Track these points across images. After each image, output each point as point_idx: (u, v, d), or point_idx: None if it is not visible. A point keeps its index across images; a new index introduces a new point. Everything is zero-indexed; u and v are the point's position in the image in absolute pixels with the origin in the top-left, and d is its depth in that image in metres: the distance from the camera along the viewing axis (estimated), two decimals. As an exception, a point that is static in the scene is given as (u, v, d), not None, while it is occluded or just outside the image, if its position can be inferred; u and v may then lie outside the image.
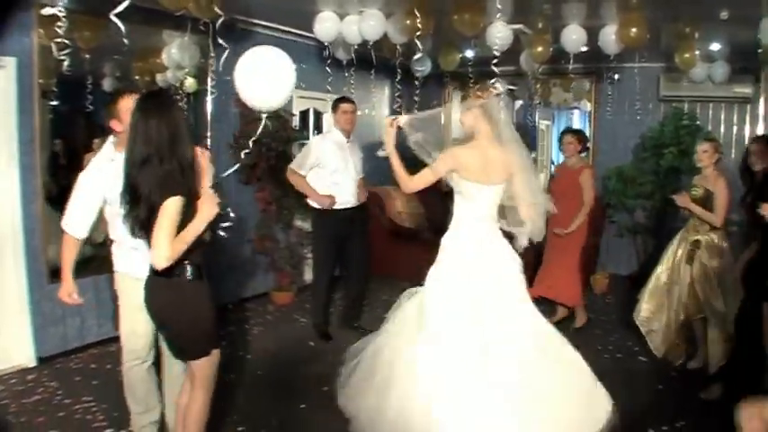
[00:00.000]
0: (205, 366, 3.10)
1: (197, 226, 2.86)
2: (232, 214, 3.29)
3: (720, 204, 4.92)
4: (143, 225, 2.83)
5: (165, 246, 2.72)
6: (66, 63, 4.51)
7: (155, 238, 2.75)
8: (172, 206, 2.75)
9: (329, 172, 5.63)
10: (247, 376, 4.92)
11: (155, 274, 2.91)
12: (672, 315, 5.16)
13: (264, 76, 3.90)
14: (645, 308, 5.37)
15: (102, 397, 4.42)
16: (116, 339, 5.41)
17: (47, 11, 4.42)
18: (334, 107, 5.82)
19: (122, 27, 4.12)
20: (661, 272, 5.34)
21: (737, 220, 6.66)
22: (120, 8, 3.96)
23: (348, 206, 5.71)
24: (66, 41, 4.48)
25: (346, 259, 6.01)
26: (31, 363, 4.97)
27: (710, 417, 4.28)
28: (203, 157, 3.01)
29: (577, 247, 6.17)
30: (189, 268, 2.92)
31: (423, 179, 3.82)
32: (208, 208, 2.90)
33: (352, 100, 5.89)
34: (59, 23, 4.36)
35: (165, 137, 2.78)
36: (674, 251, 5.26)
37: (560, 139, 6.43)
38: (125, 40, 4.32)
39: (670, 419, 4.22)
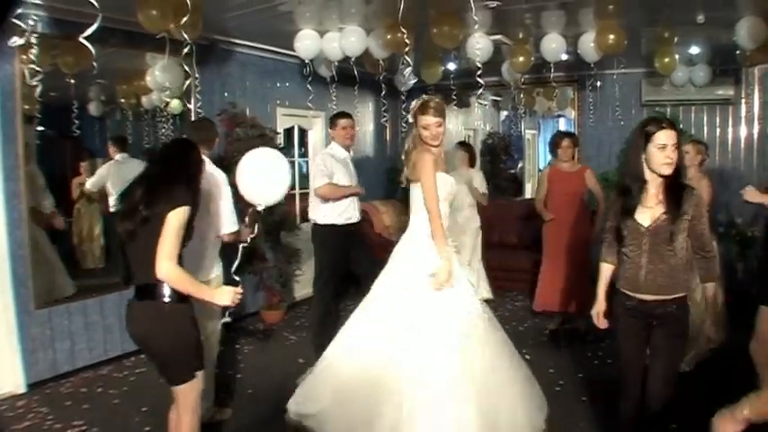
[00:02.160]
0: (188, 391, 3.09)
1: (205, 295, 3.01)
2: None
3: (705, 205, 4.95)
4: (127, 237, 2.88)
5: (172, 259, 2.81)
6: (38, 89, 4.53)
7: (162, 248, 2.80)
8: (178, 217, 2.81)
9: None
10: (238, 395, 4.91)
11: (137, 298, 2.95)
12: None
13: (263, 177, 3.91)
14: None
15: (94, 420, 4.39)
16: (107, 362, 5.47)
17: (15, 42, 4.43)
18: (333, 123, 5.71)
19: (92, 50, 4.12)
20: None
21: (724, 222, 6.73)
22: (89, 31, 3.95)
23: (353, 221, 5.63)
24: (38, 68, 4.51)
25: (355, 274, 5.87)
26: (21, 389, 4.94)
27: (702, 420, 4.28)
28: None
29: (586, 251, 6.16)
30: (169, 290, 2.92)
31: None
32: (222, 297, 3.07)
33: (350, 115, 5.79)
34: (31, 50, 4.38)
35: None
36: None
37: (556, 143, 6.35)
38: (94, 64, 4.33)
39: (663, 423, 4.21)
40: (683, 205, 3.05)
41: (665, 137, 3.02)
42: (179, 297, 2.95)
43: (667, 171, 3.04)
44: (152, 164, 3.20)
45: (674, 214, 3.04)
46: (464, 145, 7.64)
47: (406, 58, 5.62)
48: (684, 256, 3.12)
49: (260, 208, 3.88)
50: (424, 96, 4.05)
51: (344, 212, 5.54)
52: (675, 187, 3.10)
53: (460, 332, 3.71)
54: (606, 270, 3.46)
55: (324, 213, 5.53)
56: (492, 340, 3.90)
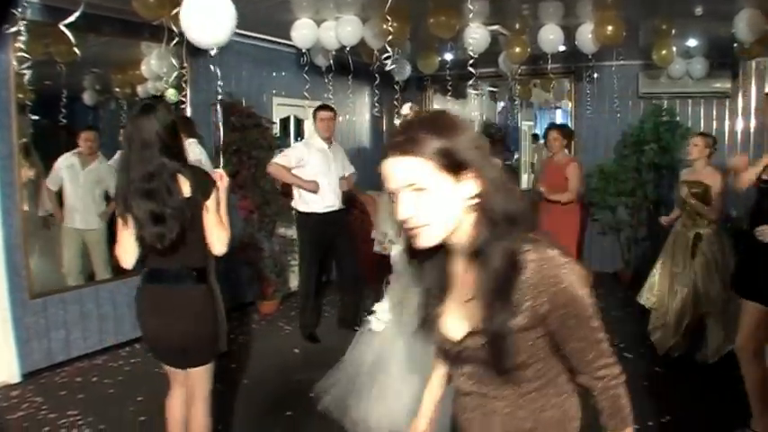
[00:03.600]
0: (207, 375, 3.06)
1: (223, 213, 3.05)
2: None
3: (719, 197, 4.98)
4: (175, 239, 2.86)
5: (228, 232, 2.96)
6: (27, 76, 4.51)
7: (221, 228, 2.96)
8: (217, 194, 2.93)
9: (311, 175, 5.74)
10: (233, 386, 4.90)
11: (181, 279, 2.90)
12: (676, 312, 5.18)
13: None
14: (652, 312, 5.45)
15: (88, 410, 4.39)
16: (102, 352, 5.46)
17: (10, 29, 4.40)
18: (314, 115, 5.96)
19: (72, 38, 4.11)
20: (660, 270, 5.38)
21: (735, 216, 6.71)
22: (70, 18, 3.94)
23: (332, 209, 5.85)
24: (27, 55, 4.48)
25: (336, 263, 6.22)
26: (15, 378, 4.92)
27: (696, 412, 4.31)
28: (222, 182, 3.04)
29: (573, 240, 6.25)
30: (193, 274, 2.89)
31: None
32: (224, 200, 3.09)
33: (330, 107, 6.01)
34: (20, 37, 4.35)
35: (136, 146, 2.78)
36: (672, 247, 5.30)
37: (545, 136, 6.50)
38: (77, 51, 4.30)
39: (656, 415, 4.23)
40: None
41: None
42: (200, 278, 2.94)
43: None
44: None
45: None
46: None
47: (388, 47, 5.60)
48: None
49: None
50: None
51: (323, 200, 5.80)
52: None
53: None
54: None
55: (300, 201, 5.88)
56: None
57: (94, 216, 5.62)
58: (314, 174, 5.74)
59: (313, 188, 5.72)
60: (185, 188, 2.81)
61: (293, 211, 6.17)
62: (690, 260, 5.12)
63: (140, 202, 2.72)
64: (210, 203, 2.89)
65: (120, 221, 2.83)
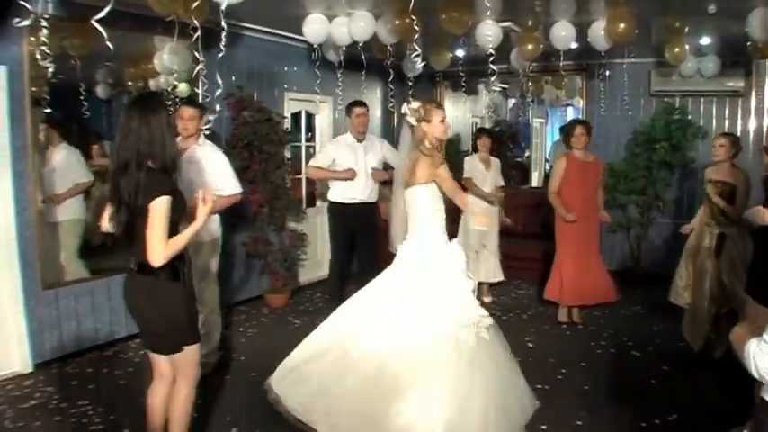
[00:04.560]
0: (186, 362, 3.22)
1: (191, 232, 3.02)
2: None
3: (744, 196, 4.98)
4: (124, 228, 2.95)
5: (161, 245, 2.84)
6: (50, 70, 4.54)
7: (150, 239, 2.84)
8: (160, 206, 2.83)
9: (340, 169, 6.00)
10: (242, 378, 4.94)
11: (136, 271, 3.04)
12: (703, 309, 5.17)
13: None
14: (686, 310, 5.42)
15: (99, 401, 4.44)
16: (113, 343, 5.51)
17: (23, 22, 4.45)
18: (348, 111, 6.16)
19: (104, 33, 4.15)
20: (684, 269, 5.40)
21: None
22: (101, 14, 3.98)
23: (355, 201, 6.02)
24: (48, 50, 4.53)
25: (357, 255, 6.36)
26: (28, 369, 4.98)
27: (703, 410, 4.31)
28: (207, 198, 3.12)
29: (598, 240, 6.31)
30: (165, 269, 2.98)
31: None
32: (201, 218, 3.08)
33: (363, 103, 6.19)
34: (42, 31, 4.40)
35: (146, 141, 2.87)
36: (695, 247, 5.30)
37: (569, 131, 6.31)
38: (110, 45, 4.33)
39: (663, 413, 4.24)
40: None
41: None
42: (173, 275, 3.04)
43: None
44: None
45: None
46: (485, 131, 7.57)
47: (415, 46, 5.63)
48: None
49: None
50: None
51: (348, 192, 6.02)
52: None
53: (456, 321, 3.76)
54: None
55: (331, 192, 6.18)
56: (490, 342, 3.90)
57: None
58: (342, 168, 5.98)
59: (350, 176, 5.93)
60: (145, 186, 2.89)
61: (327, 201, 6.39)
62: (715, 260, 5.11)
63: (112, 187, 2.94)
64: (153, 213, 2.85)
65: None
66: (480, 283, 7.04)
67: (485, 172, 6.97)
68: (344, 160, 5.99)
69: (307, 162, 8.04)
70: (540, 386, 4.70)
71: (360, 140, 6.06)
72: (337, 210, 6.11)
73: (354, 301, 4.12)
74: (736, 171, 5.09)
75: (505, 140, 10.05)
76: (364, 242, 6.16)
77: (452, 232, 4.55)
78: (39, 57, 4.64)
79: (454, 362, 3.62)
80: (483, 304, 6.61)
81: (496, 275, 7.18)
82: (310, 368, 3.91)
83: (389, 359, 3.69)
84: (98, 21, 4.01)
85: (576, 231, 6.12)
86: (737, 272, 4.97)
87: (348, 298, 4.23)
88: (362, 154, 6.04)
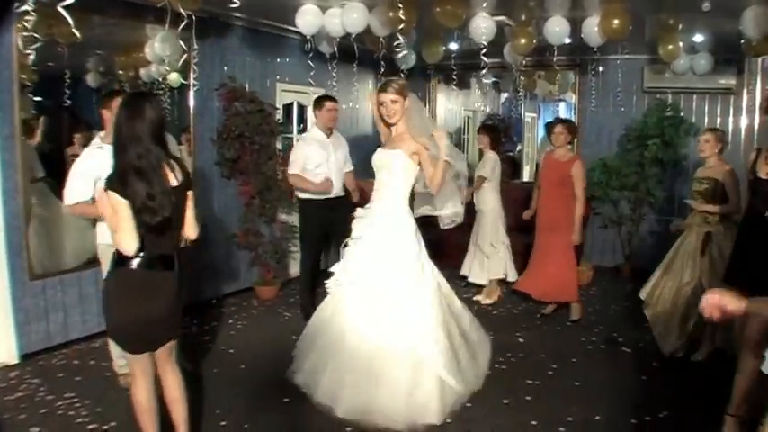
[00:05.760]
0: (175, 345, 3.36)
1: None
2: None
3: (732, 190, 4.96)
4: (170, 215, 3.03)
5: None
6: (31, 57, 4.49)
7: (193, 216, 3.24)
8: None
9: (313, 167, 5.83)
10: (231, 370, 4.91)
11: (163, 267, 3.12)
12: (681, 314, 5.18)
13: None
14: (651, 305, 5.41)
15: (86, 393, 4.39)
16: (100, 335, 5.45)
17: (21, 8, 4.39)
18: (318, 105, 5.96)
19: (70, 19, 4.10)
20: (663, 268, 5.38)
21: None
22: (68, 0, 3.95)
23: (331, 196, 5.93)
24: (36, 35, 4.47)
25: (336, 248, 6.12)
26: (14, 360, 4.93)
27: (693, 407, 4.31)
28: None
29: (571, 243, 6.13)
30: (137, 259, 3.00)
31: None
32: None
33: (334, 98, 6.05)
34: (27, 18, 4.33)
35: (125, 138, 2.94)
36: (680, 245, 5.29)
37: (550, 129, 6.39)
38: (76, 33, 4.27)
39: (653, 409, 4.24)
40: None
41: None
42: (147, 264, 3.08)
43: None
44: None
45: None
46: (487, 127, 7.54)
47: (401, 38, 5.59)
48: None
49: None
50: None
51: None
52: None
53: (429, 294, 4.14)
54: None
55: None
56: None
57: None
58: (315, 165, 5.82)
59: (327, 188, 5.84)
60: (171, 177, 3.04)
61: (295, 199, 6.27)
62: (699, 258, 5.11)
63: (136, 181, 2.88)
64: (191, 194, 3.20)
65: (110, 210, 2.92)
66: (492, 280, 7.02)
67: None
68: (315, 156, 5.85)
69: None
70: (530, 381, 4.72)
71: (328, 136, 5.99)
72: (313, 206, 5.95)
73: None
74: (722, 167, 5.06)
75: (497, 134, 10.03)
76: (340, 232, 6.05)
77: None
78: (20, 44, 4.57)
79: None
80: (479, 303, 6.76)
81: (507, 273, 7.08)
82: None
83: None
84: (76, 7, 3.96)
85: (544, 228, 6.22)
86: (718, 275, 4.98)
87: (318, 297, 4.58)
88: (332, 150, 5.97)
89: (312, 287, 6.12)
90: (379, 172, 4.27)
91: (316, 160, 5.83)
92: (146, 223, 2.91)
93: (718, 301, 2.23)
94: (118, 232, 2.90)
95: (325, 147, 5.91)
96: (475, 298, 6.94)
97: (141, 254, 2.97)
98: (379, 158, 4.29)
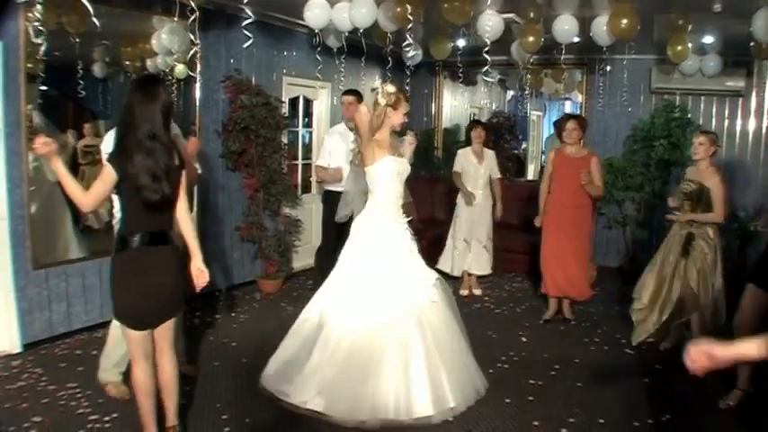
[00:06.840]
0: (173, 325, 3.45)
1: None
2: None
3: (718, 199, 4.94)
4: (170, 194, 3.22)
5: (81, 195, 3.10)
6: (42, 48, 4.47)
7: (185, 197, 3.39)
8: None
9: (335, 157, 6.01)
10: (232, 364, 4.91)
11: (161, 242, 3.28)
12: (664, 310, 5.20)
13: None
14: (639, 304, 5.47)
15: (87, 383, 4.39)
16: (103, 325, 5.45)
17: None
18: (341, 99, 6.21)
19: (90, 8, 4.11)
20: (655, 267, 5.36)
21: (743, 217, 6.67)
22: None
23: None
24: (42, 27, 4.45)
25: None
26: (16, 349, 4.93)
27: (695, 410, 4.30)
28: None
29: (588, 238, 6.14)
30: (137, 237, 3.18)
31: None
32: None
33: (351, 91, 6.17)
34: (36, 7, 4.31)
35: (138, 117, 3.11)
36: (668, 246, 5.28)
37: (560, 126, 6.29)
38: (96, 22, 4.27)
39: (655, 412, 4.23)
40: None
41: None
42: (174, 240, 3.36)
43: None
44: None
45: None
46: (479, 123, 7.53)
47: (408, 35, 5.58)
48: None
49: None
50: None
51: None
52: None
53: (414, 300, 4.16)
54: None
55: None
56: (441, 314, 4.26)
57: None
58: (336, 155, 5.97)
59: (338, 176, 5.86)
60: (175, 157, 3.24)
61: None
62: (682, 258, 5.12)
63: (143, 158, 3.06)
64: (185, 173, 3.35)
65: (99, 177, 3.11)
66: (469, 274, 7.08)
67: (477, 166, 6.94)
68: (334, 148, 6.01)
69: (304, 148, 8.09)
70: (532, 382, 4.71)
71: (352, 129, 5.92)
72: (331, 198, 5.99)
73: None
74: (713, 176, 5.01)
75: (503, 132, 10.02)
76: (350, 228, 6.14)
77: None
78: (31, 33, 4.54)
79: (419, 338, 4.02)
80: (468, 296, 6.78)
81: (481, 268, 7.16)
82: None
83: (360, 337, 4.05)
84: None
85: (557, 226, 6.06)
86: (704, 277, 5.02)
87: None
88: (352, 142, 5.88)
89: (328, 264, 6.12)
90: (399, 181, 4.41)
91: (334, 151, 5.98)
92: (147, 200, 3.07)
93: (706, 349, 2.17)
94: (90, 193, 3.07)
95: (345, 139, 5.96)
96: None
97: (139, 233, 3.16)
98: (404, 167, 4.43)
